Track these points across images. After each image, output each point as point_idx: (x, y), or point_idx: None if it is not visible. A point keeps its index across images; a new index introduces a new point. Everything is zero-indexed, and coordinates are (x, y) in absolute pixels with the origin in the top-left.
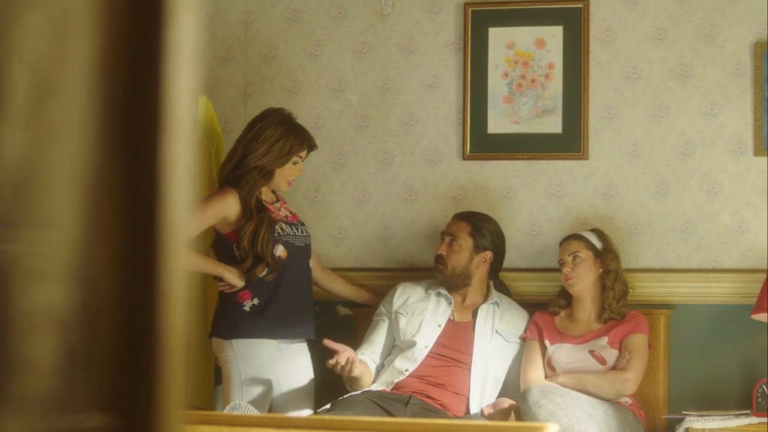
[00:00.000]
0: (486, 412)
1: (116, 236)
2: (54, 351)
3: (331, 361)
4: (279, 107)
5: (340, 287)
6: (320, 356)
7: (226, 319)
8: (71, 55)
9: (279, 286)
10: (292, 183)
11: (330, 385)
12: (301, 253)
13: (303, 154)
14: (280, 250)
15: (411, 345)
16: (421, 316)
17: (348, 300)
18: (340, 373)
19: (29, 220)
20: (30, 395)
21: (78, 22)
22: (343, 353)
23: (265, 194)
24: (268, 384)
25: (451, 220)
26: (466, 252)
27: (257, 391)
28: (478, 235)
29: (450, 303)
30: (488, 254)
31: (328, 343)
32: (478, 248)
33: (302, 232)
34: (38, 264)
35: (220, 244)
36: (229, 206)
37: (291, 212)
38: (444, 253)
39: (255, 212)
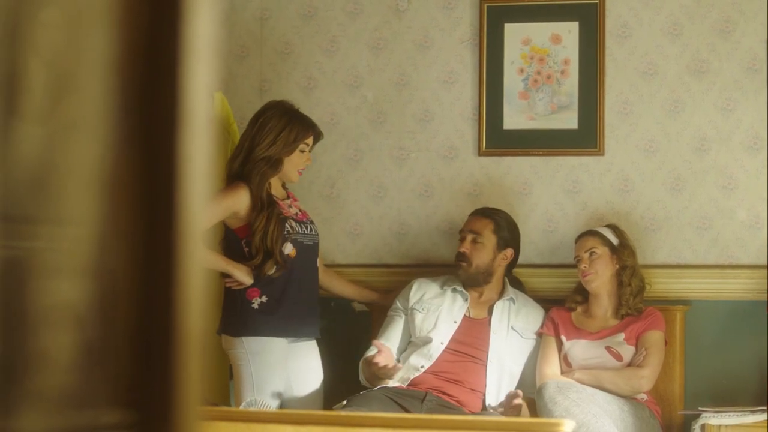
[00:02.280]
0: (498, 411)
1: (133, 232)
2: (71, 346)
3: (379, 363)
4: (280, 100)
5: (341, 287)
6: (329, 354)
7: (235, 316)
8: (88, 51)
9: (287, 285)
10: (302, 173)
11: (344, 382)
12: (309, 251)
13: (309, 141)
14: (288, 248)
15: (427, 341)
16: (437, 312)
17: (347, 301)
18: (380, 374)
19: (46, 216)
20: (47, 390)
21: (94, 18)
22: (386, 355)
23: (276, 190)
24: (279, 381)
25: (471, 217)
26: (489, 250)
27: (269, 388)
28: (501, 233)
29: (466, 299)
30: (509, 251)
31: (377, 343)
32: (500, 246)
33: (311, 230)
34: (55, 260)
35: (229, 241)
36: (241, 201)
37: (301, 210)
38: (467, 251)
39: (267, 205)
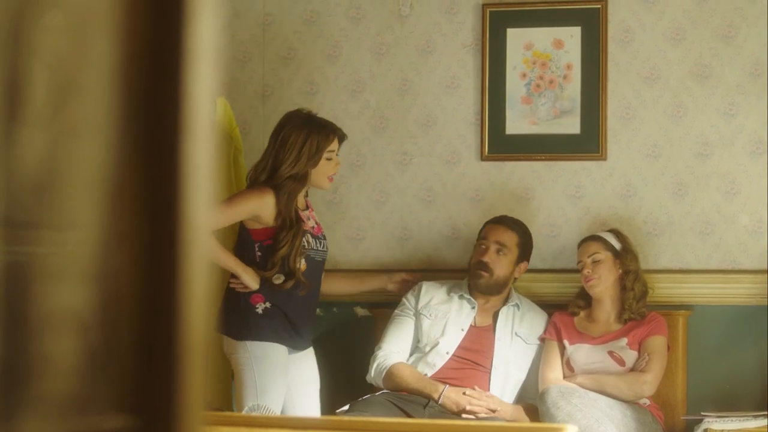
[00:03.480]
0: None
1: (136, 236)
2: (74, 351)
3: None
4: (297, 109)
5: (339, 285)
6: (332, 358)
7: (239, 319)
8: (91, 56)
9: (292, 296)
10: (333, 178)
11: (346, 387)
12: (317, 267)
13: (333, 147)
14: (300, 263)
15: (433, 349)
16: (445, 319)
17: (350, 294)
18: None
19: (49, 220)
20: (50, 395)
21: (98, 23)
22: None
23: (299, 201)
24: (281, 386)
25: (495, 225)
26: (510, 262)
27: (272, 393)
28: (523, 247)
29: (473, 307)
30: (524, 265)
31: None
32: (519, 259)
33: (324, 246)
34: (58, 265)
35: (243, 241)
36: (266, 205)
37: (317, 223)
38: (490, 262)
39: (294, 222)
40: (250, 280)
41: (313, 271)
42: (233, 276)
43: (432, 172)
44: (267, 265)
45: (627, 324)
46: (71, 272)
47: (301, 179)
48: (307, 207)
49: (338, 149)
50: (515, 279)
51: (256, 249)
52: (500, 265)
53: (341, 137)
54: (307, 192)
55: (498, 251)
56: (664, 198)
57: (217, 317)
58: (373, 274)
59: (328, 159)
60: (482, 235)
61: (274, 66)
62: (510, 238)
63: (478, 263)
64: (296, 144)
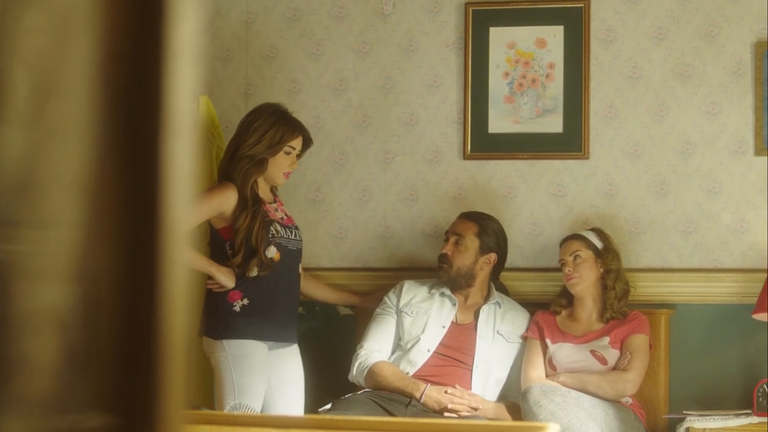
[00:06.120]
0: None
1: (117, 236)
2: (54, 351)
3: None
4: (275, 102)
5: (323, 293)
6: (314, 357)
7: (216, 318)
8: (72, 55)
9: (269, 289)
10: (288, 176)
11: (328, 385)
12: (293, 257)
13: (296, 144)
14: (272, 252)
15: (414, 347)
16: (426, 317)
17: (332, 304)
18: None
19: (30, 219)
20: (30, 395)
21: (79, 22)
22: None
23: (264, 193)
24: (261, 385)
25: (457, 219)
26: (471, 253)
27: (250, 392)
28: (484, 237)
29: (454, 304)
30: (493, 256)
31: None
32: (483, 250)
33: (296, 236)
34: (39, 264)
35: (214, 242)
36: (228, 200)
37: (287, 215)
38: (449, 253)
39: (251, 203)
40: (224, 279)
41: (288, 259)
42: (208, 277)
43: (415, 171)
44: (235, 256)
45: (609, 323)
46: (51, 271)
47: (258, 164)
48: (275, 200)
49: (301, 151)
50: (496, 275)
51: (227, 247)
52: (459, 256)
53: (307, 140)
54: (272, 187)
55: (456, 242)
56: (646, 197)
57: (199, 319)
58: (355, 292)
59: (287, 153)
60: (447, 230)
61: (256, 64)
62: (467, 228)
63: (439, 257)
64: (260, 129)
